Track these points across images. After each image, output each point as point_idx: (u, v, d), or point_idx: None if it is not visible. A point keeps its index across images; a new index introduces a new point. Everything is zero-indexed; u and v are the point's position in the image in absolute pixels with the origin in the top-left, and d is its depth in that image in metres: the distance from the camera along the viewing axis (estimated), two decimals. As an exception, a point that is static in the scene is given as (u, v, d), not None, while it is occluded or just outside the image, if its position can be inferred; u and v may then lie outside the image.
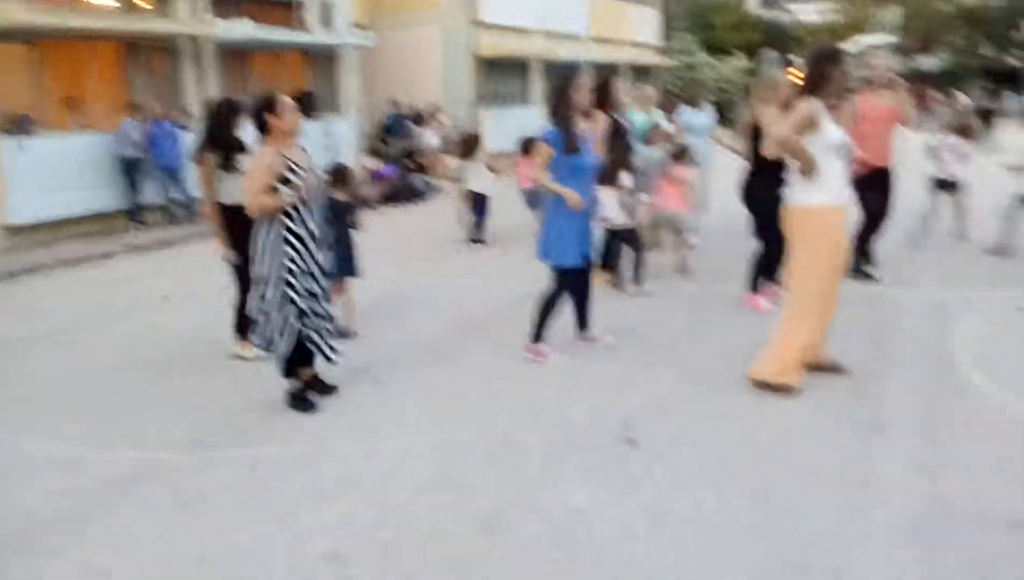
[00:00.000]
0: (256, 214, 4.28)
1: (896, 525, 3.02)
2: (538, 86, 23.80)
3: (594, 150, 5.20)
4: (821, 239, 4.27)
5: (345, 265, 5.87)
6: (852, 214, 6.68)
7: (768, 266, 5.91)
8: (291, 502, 3.42)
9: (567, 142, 4.85)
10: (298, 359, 4.45)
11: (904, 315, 5.76)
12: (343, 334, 5.83)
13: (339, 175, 6.00)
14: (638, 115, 8.33)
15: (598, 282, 6.97)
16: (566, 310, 5.27)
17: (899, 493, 3.26)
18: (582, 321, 5.40)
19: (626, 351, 5.27)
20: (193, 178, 12.46)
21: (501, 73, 23.78)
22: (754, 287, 6.03)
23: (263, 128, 4.32)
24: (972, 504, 3.13)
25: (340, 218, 5.81)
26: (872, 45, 37.06)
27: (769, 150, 4.59)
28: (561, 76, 5.13)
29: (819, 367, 4.58)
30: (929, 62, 43.21)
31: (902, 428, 3.89)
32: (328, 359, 4.48)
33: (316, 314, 4.39)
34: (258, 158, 4.28)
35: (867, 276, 6.71)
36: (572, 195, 4.84)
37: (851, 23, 46.52)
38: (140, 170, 11.88)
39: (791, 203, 4.36)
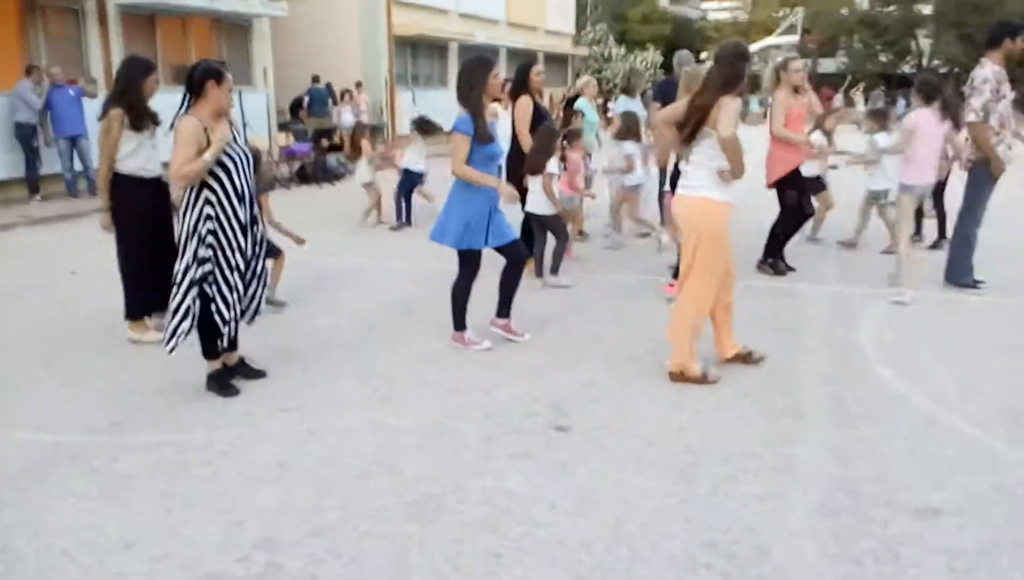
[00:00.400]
0: (181, 184, 4.15)
1: (813, 509, 3.20)
2: (456, 68, 23.68)
3: (504, 136, 5.21)
4: (717, 231, 4.44)
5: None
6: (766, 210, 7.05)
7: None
8: (223, 487, 3.36)
9: (479, 131, 4.79)
10: (214, 338, 4.33)
11: (811, 308, 6.05)
12: (272, 303, 5.92)
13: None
14: (588, 104, 8.46)
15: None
16: (487, 294, 5.31)
17: (814, 478, 3.45)
18: (504, 308, 5.32)
19: (552, 338, 5.36)
20: (95, 148, 12.03)
21: (419, 54, 23.56)
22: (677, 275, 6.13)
23: (197, 94, 4.16)
24: (882, 490, 3.34)
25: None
26: (774, 45, 38.40)
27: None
28: (470, 60, 5.04)
29: (732, 359, 4.79)
30: (829, 64, 45.02)
31: (817, 415, 4.10)
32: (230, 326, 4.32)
33: (234, 289, 4.27)
34: (183, 128, 4.12)
35: (782, 269, 7.02)
36: (508, 190, 4.89)
37: (757, 23, 48.00)
38: (38, 137, 11.26)
39: (696, 195, 4.48)
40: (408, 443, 3.78)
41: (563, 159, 7.10)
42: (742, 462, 3.58)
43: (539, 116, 6.73)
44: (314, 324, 5.68)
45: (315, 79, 18.66)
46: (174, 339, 4.17)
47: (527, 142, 6.62)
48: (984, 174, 6.18)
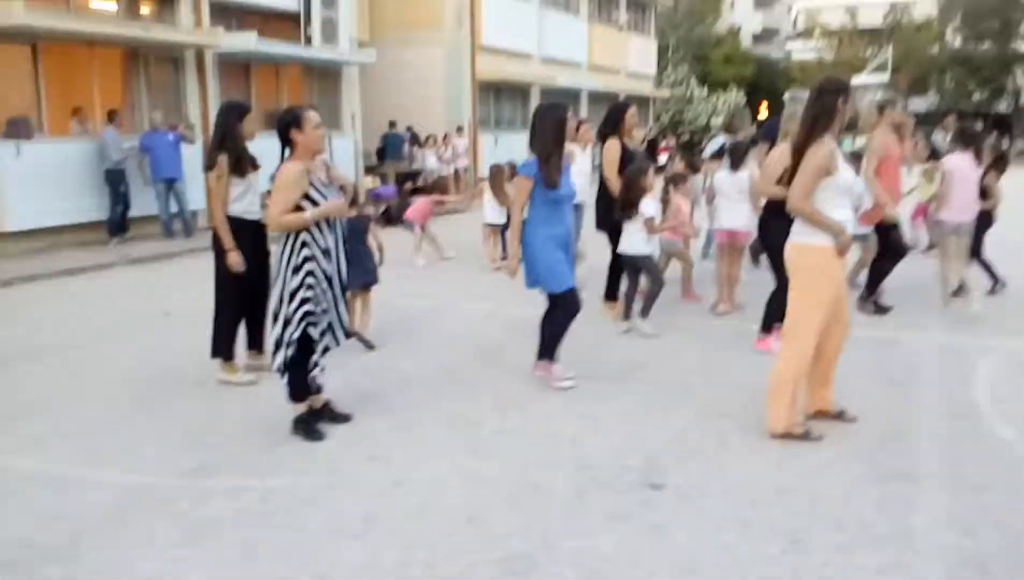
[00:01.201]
0: (278, 231, 4.20)
1: (938, 584, 2.93)
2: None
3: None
4: (817, 277, 4.16)
5: (364, 275, 6.04)
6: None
7: (783, 307, 5.80)
8: (309, 538, 3.28)
9: (546, 176, 4.85)
10: (303, 379, 4.32)
11: (918, 360, 5.70)
12: (366, 346, 6.03)
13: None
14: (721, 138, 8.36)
15: (605, 314, 6.90)
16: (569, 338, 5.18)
17: (936, 550, 3.17)
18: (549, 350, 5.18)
19: (640, 387, 5.17)
20: (191, 191, 12.43)
21: (502, 97, 23.83)
22: (768, 328, 5.90)
23: (287, 143, 4.24)
24: (1013, 563, 3.04)
25: (354, 233, 5.83)
26: (863, 84, 37.53)
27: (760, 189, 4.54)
28: (544, 105, 5.11)
29: (826, 414, 4.51)
30: (919, 103, 43.75)
31: (932, 479, 3.80)
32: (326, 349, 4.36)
33: (329, 327, 4.31)
34: (283, 174, 4.19)
35: (884, 308, 6.79)
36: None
37: (843, 61, 47.07)
38: (125, 181, 11.54)
39: (794, 239, 4.27)
40: (497, 496, 3.64)
41: (665, 202, 6.94)
42: (854, 528, 3.33)
43: (628, 159, 6.62)
44: (397, 366, 5.63)
45: (391, 124, 18.98)
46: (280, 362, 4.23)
47: (614, 185, 6.51)
48: None
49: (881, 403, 4.78)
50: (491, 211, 9.51)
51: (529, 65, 24.19)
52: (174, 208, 12.14)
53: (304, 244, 4.19)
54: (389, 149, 18.67)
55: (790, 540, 3.25)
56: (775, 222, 5.63)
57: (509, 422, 4.56)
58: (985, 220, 7.44)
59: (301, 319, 4.16)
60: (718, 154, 8.47)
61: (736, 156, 7.05)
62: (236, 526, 3.39)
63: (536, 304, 5.16)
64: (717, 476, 3.84)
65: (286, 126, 4.24)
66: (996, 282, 7.71)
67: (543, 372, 5.13)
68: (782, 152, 5.47)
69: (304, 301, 4.17)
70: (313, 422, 4.38)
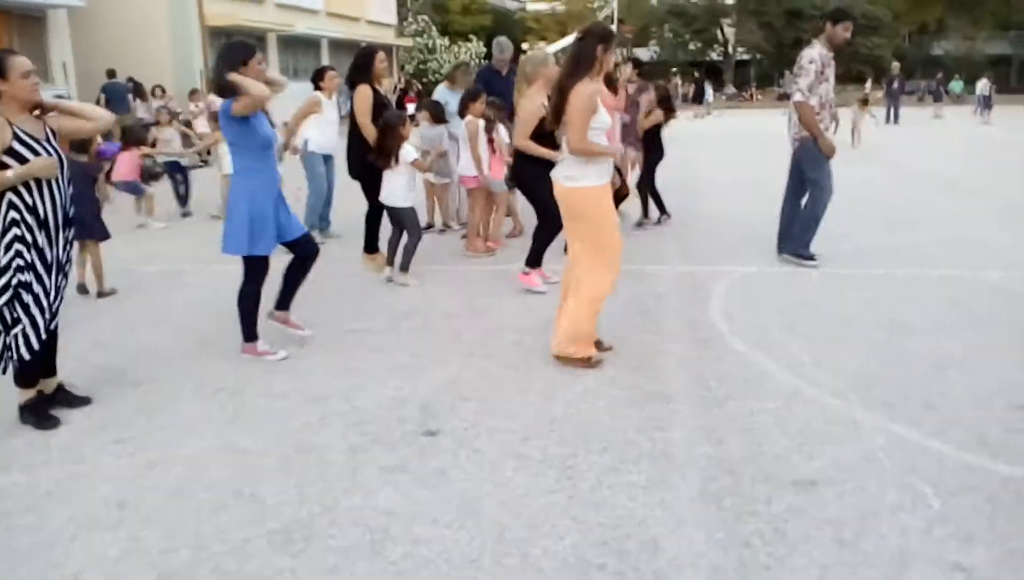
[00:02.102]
0: None
1: (696, 494, 3.16)
2: (276, 61, 22.71)
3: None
4: (599, 211, 4.43)
5: (92, 228, 5.81)
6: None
7: (544, 244, 5.98)
8: (52, 536, 2.90)
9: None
10: (35, 365, 3.82)
11: (663, 289, 6.13)
12: (104, 294, 5.96)
13: (79, 141, 5.94)
14: (448, 92, 8.23)
15: (367, 266, 6.76)
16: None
17: (692, 461, 3.42)
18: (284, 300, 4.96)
19: (408, 336, 5.12)
20: None
21: (235, 45, 22.37)
22: (532, 263, 6.04)
23: None
24: (757, 465, 3.36)
25: (81, 180, 5.50)
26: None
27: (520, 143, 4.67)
28: (226, 45, 4.69)
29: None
30: (643, 53, 46.92)
31: (683, 396, 4.10)
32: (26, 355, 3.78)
33: (40, 308, 3.79)
34: None
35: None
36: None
37: (575, 13, 49.25)
38: None
39: (567, 184, 4.43)
40: (266, 465, 3.44)
41: (490, 142, 7.08)
42: (620, 450, 3.51)
43: (380, 105, 6.45)
44: (139, 339, 5.15)
45: (110, 73, 17.19)
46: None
47: (370, 132, 6.31)
48: (816, 151, 6.43)
49: (634, 330, 5.08)
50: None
51: (264, 12, 22.92)
52: None
53: (11, 205, 3.65)
54: (111, 102, 16.93)
55: (563, 467, 3.36)
56: (528, 167, 5.79)
57: (274, 386, 4.32)
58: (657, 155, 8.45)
59: (13, 292, 3.63)
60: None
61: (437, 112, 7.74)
62: (-43, 537, 2.92)
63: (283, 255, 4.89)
64: (490, 416, 3.89)
65: None
66: (663, 214, 8.64)
67: (249, 354, 4.75)
68: (534, 107, 5.60)
69: (17, 269, 3.65)
70: (45, 408, 3.87)
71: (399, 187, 6.15)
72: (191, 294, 6.27)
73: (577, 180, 4.41)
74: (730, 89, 43.20)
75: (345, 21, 28.13)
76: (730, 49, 45.36)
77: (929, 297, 5.74)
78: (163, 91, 17.67)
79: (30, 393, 3.85)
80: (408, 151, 6.08)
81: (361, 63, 6.59)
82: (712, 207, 9.83)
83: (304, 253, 4.81)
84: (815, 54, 6.34)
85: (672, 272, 6.63)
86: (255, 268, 4.63)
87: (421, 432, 3.73)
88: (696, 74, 41.32)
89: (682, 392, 4.16)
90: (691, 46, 45.49)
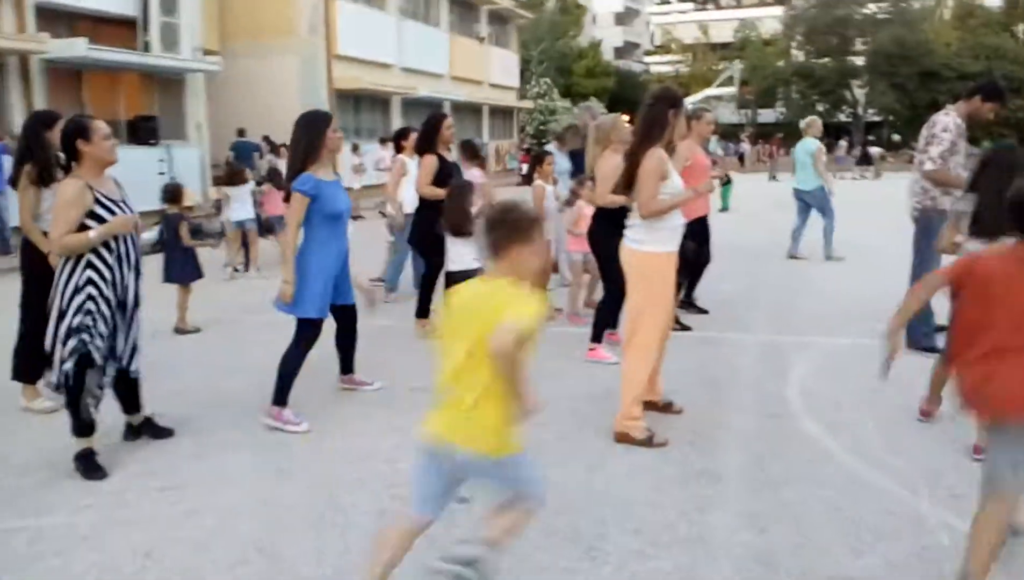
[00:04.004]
0: (62, 254, 3.89)
1: (727, 583, 2.95)
2: (399, 121, 23.63)
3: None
4: (659, 282, 4.29)
5: (186, 272, 6.49)
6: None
7: (613, 312, 5.87)
8: (74, 581, 3.00)
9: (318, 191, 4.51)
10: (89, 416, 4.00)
11: (738, 359, 5.87)
12: (184, 332, 6.55)
13: (171, 192, 7.13)
14: (558, 152, 8.31)
15: (419, 331, 6.72)
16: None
17: (728, 550, 3.20)
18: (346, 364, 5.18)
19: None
20: (15, 206, 11.54)
21: (361, 107, 23.48)
22: (598, 337, 5.91)
23: (72, 155, 3.94)
24: (800, 559, 3.11)
25: (174, 230, 6.82)
26: (714, 96, 39.32)
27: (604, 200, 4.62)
28: (308, 118, 4.71)
29: (655, 405, 4.63)
30: (768, 114, 46.23)
31: (735, 477, 3.87)
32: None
33: (109, 356, 4.02)
34: (62, 191, 3.89)
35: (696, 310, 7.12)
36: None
37: (698, 74, 49.18)
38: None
39: (633, 246, 4.35)
40: (294, 522, 3.45)
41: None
42: (655, 533, 3.33)
43: (446, 173, 6.48)
44: (213, 387, 5.35)
45: (240, 132, 18.28)
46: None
47: (434, 194, 6.33)
48: (935, 223, 5.50)
49: (700, 402, 4.87)
50: None
51: (389, 75, 23.97)
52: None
53: (89, 265, 3.89)
54: (240, 158, 18.00)
55: (588, 546, 3.22)
56: (604, 230, 5.71)
57: (324, 443, 4.37)
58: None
59: (75, 344, 3.85)
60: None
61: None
62: (-5, 574, 3.06)
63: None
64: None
65: (70, 136, 3.94)
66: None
67: (274, 420, 4.62)
68: (612, 166, 5.55)
69: (81, 327, 3.86)
70: (93, 460, 3.99)
71: (467, 253, 6.11)
72: (272, 346, 6.44)
73: (644, 244, 4.30)
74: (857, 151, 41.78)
75: (468, 84, 29.04)
76: (859, 110, 44.01)
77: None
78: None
79: (83, 443, 3.99)
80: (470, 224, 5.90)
81: (427, 130, 6.63)
82: (816, 273, 9.42)
83: (344, 320, 4.99)
84: (950, 123, 5.66)
85: (754, 341, 6.36)
86: (307, 332, 4.67)
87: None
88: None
89: (735, 472, 3.93)
90: (818, 107, 44.43)
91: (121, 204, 4.05)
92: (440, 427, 2.49)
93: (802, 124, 10.91)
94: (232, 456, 4.18)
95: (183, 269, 6.81)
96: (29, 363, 4.91)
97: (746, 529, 3.36)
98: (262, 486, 3.82)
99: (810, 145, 10.38)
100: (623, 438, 4.30)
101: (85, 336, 3.85)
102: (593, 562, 3.11)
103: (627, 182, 4.38)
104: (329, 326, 4.90)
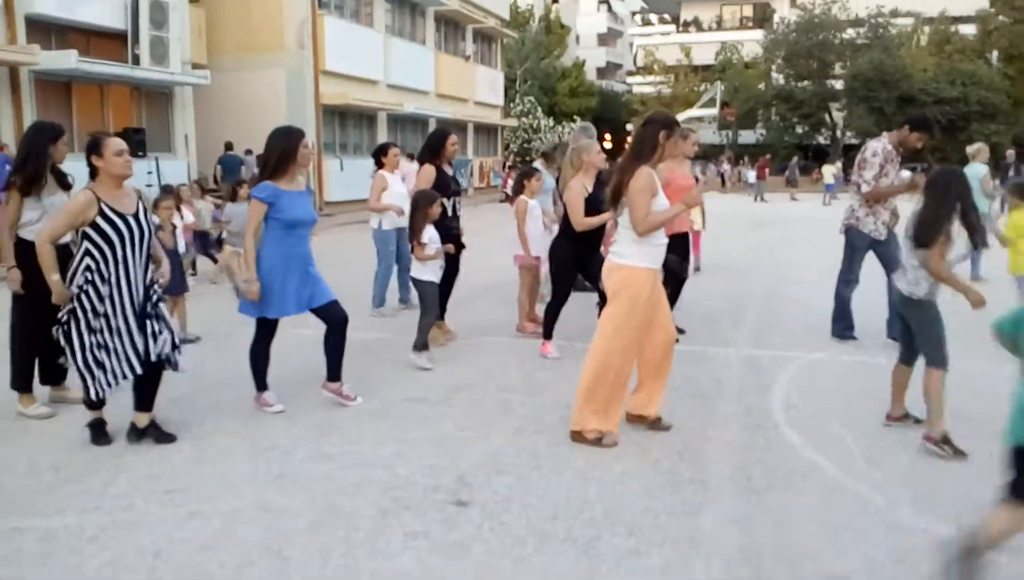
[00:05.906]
0: (42, 250, 4.20)
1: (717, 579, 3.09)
2: (384, 136, 23.78)
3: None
4: (639, 298, 4.43)
5: (173, 283, 6.09)
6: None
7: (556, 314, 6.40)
8: (88, 577, 3.09)
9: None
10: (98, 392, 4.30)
11: (723, 373, 6.04)
12: (186, 342, 6.18)
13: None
14: (545, 170, 8.48)
15: (436, 334, 6.91)
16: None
17: (717, 549, 3.35)
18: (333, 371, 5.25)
19: (461, 408, 5.21)
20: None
21: (347, 122, 23.60)
22: (548, 334, 6.42)
23: (91, 170, 4.18)
24: (784, 558, 3.26)
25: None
26: (696, 117, 39.80)
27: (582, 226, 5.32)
28: (282, 132, 5.05)
29: (644, 420, 4.78)
30: (748, 136, 46.76)
31: (723, 484, 4.02)
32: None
33: (112, 352, 4.27)
34: (71, 200, 4.10)
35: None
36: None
37: (679, 95, 49.73)
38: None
39: (616, 260, 4.50)
40: (297, 525, 3.56)
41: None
42: (647, 534, 3.47)
43: (443, 184, 6.65)
44: (212, 394, 5.42)
45: (228, 146, 18.38)
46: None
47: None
48: (857, 240, 6.61)
49: (686, 414, 5.02)
50: None
51: (375, 91, 24.12)
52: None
53: (87, 268, 4.16)
54: (226, 171, 18.08)
55: (585, 548, 3.35)
56: (564, 243, 6.20)
57: (323, 449, 4.48)
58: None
59: (79, 334, 4.20)
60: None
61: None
62: (6, 569, 3.14)
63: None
64: (523, 491, 3.91)
65: (87, 152, 4.21)
66: None
67: (259, 404, 5.15)
68: (578, 190, 5.98)
69: (81, 320, 4.19)
70: (103, 429, 4.46)
71: (429, 266, 6.11)
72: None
73: (626, 257, 4.46)
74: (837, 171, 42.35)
75: (454, 102, 29.25)
76: (838, 133, 44.65)
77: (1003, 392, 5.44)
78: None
79: (94, 414, 4.46)
80: (432, 236, 6.03)
81: (432, 144, 6.85)
82: (793, 291, 9.63)
83: (330, 319, 5.07)
84: (879, 148, 6.36)
85: (737, 355, 6.53)
86: (263, 329, 5.06)
87: (451, 502, 3.78)
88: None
89: (722, 480, 4.08)
90: (798, 129, 45.04)
91: (130, 218, 4.19)
92: None
93: (969, 150, 11.01)
94: (233, 462, 4.28)
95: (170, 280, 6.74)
96: (22, 372, 5.01)
97: (734, 531, 3.50)
98: (263, 491, 3.92)
99: (979, 170, 10.58)
100: (577, 437, 4.54)
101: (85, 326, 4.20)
102: (590, 562, 3.24)
103: (614, 197, 4.54)
104: (320, 331, 5.01)
